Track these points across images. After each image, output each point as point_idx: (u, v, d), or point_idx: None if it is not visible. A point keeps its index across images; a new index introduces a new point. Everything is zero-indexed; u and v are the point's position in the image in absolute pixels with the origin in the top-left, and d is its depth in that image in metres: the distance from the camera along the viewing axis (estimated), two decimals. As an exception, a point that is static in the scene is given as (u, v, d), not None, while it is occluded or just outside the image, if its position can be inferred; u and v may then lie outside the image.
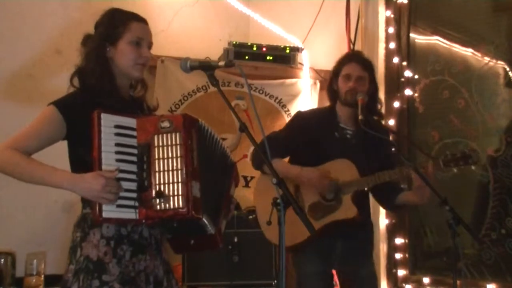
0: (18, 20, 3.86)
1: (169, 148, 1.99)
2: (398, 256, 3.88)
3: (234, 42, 4.29)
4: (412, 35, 4.04)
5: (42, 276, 3.57)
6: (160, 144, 2.00)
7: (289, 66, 4.38)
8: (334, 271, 3.03)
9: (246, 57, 4.28)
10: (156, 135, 2.01)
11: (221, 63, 2.07)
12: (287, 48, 4.36)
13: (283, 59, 4.36)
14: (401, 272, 3.87)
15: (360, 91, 2.84)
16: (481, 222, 3.56)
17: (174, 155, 1.98)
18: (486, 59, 3.66)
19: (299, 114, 3.16)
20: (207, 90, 4.28)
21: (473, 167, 2.77)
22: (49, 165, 2.01)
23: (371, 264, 2.99)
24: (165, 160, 1.99)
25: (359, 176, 2.80)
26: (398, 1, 4.07)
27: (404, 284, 3.83)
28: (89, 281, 1.98)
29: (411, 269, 3.88)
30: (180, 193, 1.95)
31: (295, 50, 4.37)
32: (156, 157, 1.99)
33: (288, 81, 4.43)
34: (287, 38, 4.50)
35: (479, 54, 3.71)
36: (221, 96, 2.07)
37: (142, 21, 2.20)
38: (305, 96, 4.38)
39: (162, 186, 1.97)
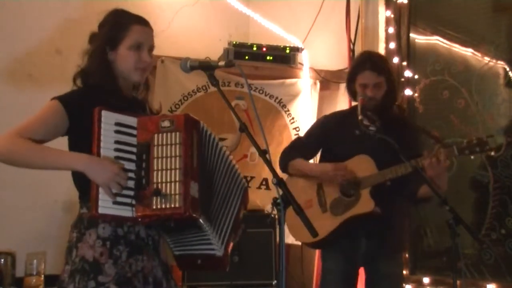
0: (18, 20, 3.86)
1: (169, 147, 1.98)
2: (399, 256, 3.88)
3: (234, 42, 4.29)
4: (412, 35, 4.04)
5: (42, 276, 3.57)
6: (160, 143, 1.99)
7: (289, 66, 4.37)
8: (360, 269, 3.03)
9: (246, 57, 4.28)
10: (157, 134, 2.00)
11: (221, 63, 2.07)
12: (287, 48, 4.36)
13: (283, 59, 4.36)
14: (401, 272, 3.87)
15: (379, 96, 2.89)
16: (481, 222, 3.56)
17: (174, 154, 1.97)
18: (486, 59, 3.66)
19: (321, 117, 3.29)
20: (207, 90, 4.28)
21: (492, 153, 2.72)
22: (60, 149, 2.01)
23: (395, 264, 2.98)
24: (164, 159, 1.97)
25: (376, 171, 2.82)
26: (398, 1, 4.06)
27: (404, 284, 3.82)
28: (85, 282, 1.97)
29: (411, 269, 3.88)
30: (178, 192, 1.94)
31: (295, 50, 4.37)
32: (156, 155, 1.98)
33: (288, 81, 4.42)
34: (287, 38, 4.50)
35: (479, 54, 3.71)
36: (221, 96, 2.06)
37: (144, 23, 2.18)
38: (305, 96, 4.38)
39: (160, 185, 1.95)
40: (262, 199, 4.19)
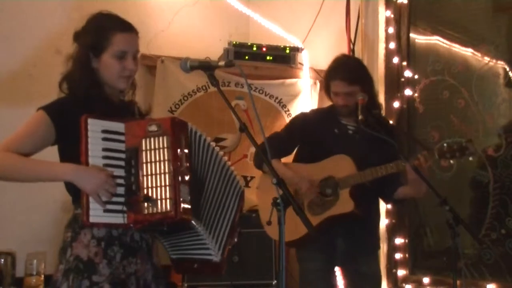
0: (18, 20, 3.86)
1: (157, 151, 1.99)
2: (398, 256, 3.88)
3: (234, 42, 4.28)
4: (412, 35, 4.04)
5: (42, 276, 3.57)
6: (148, 147, 1.99)
7: (289, 66, 4.37)
8: (338, 269, 3.05)
9: (246, 57, 4.27)
10: (144, 138, 2.00)
11: (221, 63, 2.07)
12: (287, 48, 4.36)
13: (283, 59, 4.36)
14: (401, 272, 3.87)
15: (351, 104, 2.86)
16: (481, 222, 3.56)
17: (162, 159, 1.98)
18: (486, 59, 3.66)
19: (299, 114, 3.25)
20: (207, 90, 4.28)
21: (470, 158, 2.73)
22: (47, 160, 2.02)
23: (373, 262, 2.99)
24: (153, 164, 1.98)
25: (356, 171, 2.82)
26: (398, 1, 4.06)
27: (404, 284, 3.83)
28: (79, 281, 1.98)
29: (411, 269, 3.88)
30: (168, 196, 1.95)
31: (295, 50, 4.37)
32: (144, 160, 1.99)
33: (288, 81, 4.42)
34: (287, 38, 4.49)
35: (479, 54, 3.71)
36: (221, 96, 2.06)
37: (128, 30, 2.14)
38: (305, 96, 4.38)
39: (150, 190, 1.96)
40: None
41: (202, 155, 2.15)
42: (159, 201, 1.94)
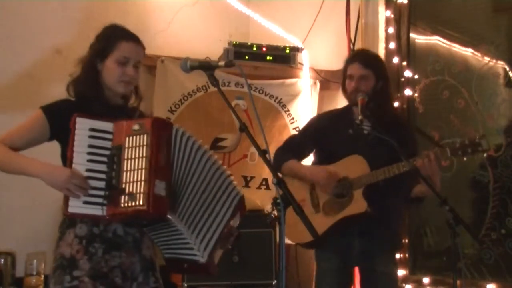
0: (18, 20, 3.87)
1: (138, 149, 2.09)
2: (398, 256, 3.88)
3: (234, 42, 4.29)
4: (412, 35, 4.04)
5: (42, 276, 3.57)
6: (131, 145, 2.10)
7: (289, 66, 4.38)
8: (355, 269, 3.05)
9: (246, 57, 4.28)
10: (128, 137, 2.11)
11: (221, 63, 2.09)
12: (287, 48, 4.36)
13: (283, 59, 4.36)
14: (401, 272, 3.86)
15: (363, 90, 2.87)
16: (481, 222, 3.56)
17: (141, 155, 2.07)
18: (486, 59, 3.66)
19: (314, 116, 3.33)
20: (207, 90, 4.28)
21: (485, 155, 2.70)
22: (28, 157, 2.17)
23: (389, 263, 2.98)
24: (133, 160, 2.08)
25: (369, 171, 2.82)
26: (398, 1, 4.07)
27: (404, 284, 3.83)
28: (62, 277, 2.12)
29: (411, 269, 3.88)
30: (142, 190, 2.03)
31: (295, 50, 4.37)
32: (126, 157, 2.09)
33: (288, 81, 4.42)
34: (287, 38, 4.50)
35: (479, 54, 3.71)
36: (221, 96, 2.08)
37: (134, 41, 2.30)
38: (305, 96, 4.38)
39: (128, 185, 2.05)
40: (262, 199, 4.19)
41: (188, 155, 2.19)
42: (134, 195, 2.03)
